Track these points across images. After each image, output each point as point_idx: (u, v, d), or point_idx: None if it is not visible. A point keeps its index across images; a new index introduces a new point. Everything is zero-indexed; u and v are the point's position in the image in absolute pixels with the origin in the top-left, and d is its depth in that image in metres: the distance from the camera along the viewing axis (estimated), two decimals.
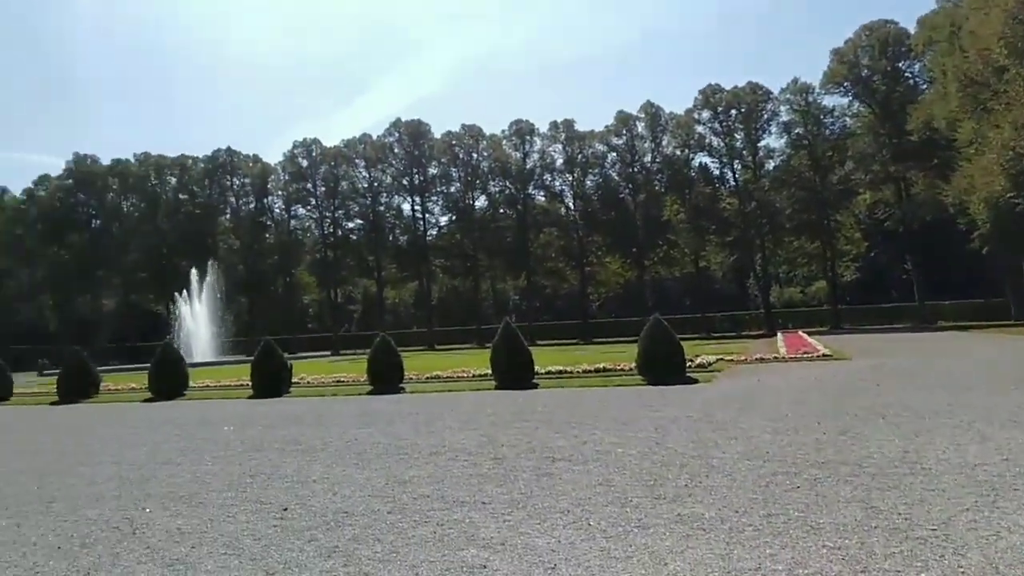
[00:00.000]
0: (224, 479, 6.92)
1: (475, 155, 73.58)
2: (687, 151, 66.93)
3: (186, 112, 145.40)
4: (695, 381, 14.96)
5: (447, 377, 19.29)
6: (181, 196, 79.84)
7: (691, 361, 17.54)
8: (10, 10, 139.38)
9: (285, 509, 5.50)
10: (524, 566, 3.93)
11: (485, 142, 73.12)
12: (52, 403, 19.26)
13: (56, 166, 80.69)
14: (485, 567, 3.95)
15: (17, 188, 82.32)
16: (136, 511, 5.74)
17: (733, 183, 65.82)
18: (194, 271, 51.39)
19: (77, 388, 19.71)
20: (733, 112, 63.85)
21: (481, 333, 65.11)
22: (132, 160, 79.75)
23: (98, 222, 79.64)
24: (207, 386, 20.66)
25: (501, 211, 73.95)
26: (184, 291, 49.14)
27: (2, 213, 79.38)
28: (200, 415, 13.93)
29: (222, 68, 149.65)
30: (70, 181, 78.53)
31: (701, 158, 67.45)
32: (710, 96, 64.49)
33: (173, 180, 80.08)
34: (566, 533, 4.49)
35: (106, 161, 79.65)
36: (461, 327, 72.27)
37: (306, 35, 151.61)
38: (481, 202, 74.61)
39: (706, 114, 65.15)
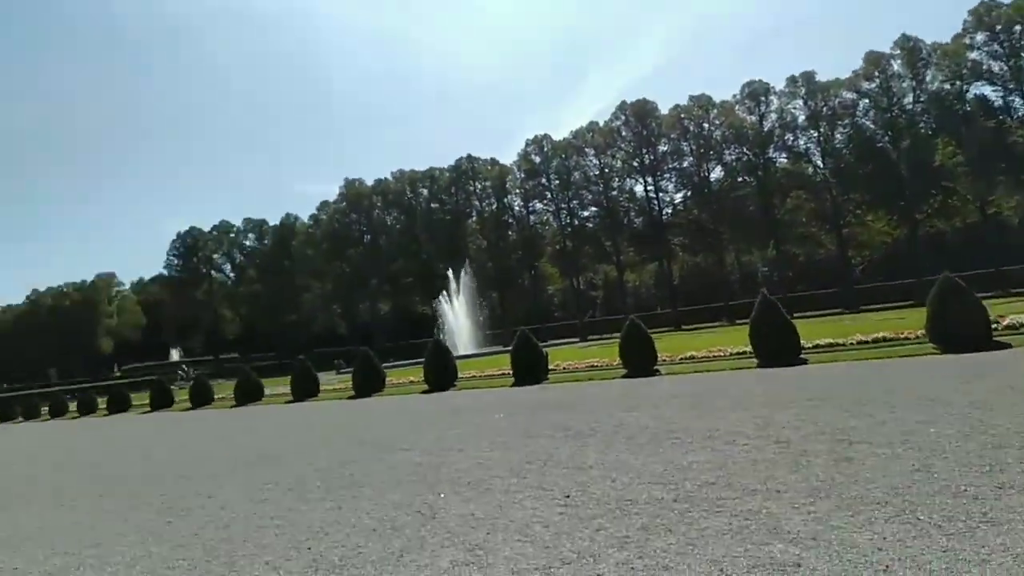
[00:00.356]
0: (505, 465, 7.18)
1: (706, 125, 70.46)
2: (959, 83, 57.60)
3: (431, 127, 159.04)
4: (1007, 346, 12.64)
5: (702, 357, 18.52)
6: (433, 205, 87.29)
7: (996, 323, 14.90)
8: (284, 66, 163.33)
9: (567, 496, 5.51)
10: (846, 566, 3.44)
11: (716, 110, 69.67)
12: (349, 397, 21.96)
13: (332, 192, 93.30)
14: (799, 565, 3.52)
15: (305, 215, 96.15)
16: (432, 496, 6.15)
17: None
18: (450, 272, 55.66)
19: (368, 384, 22.26)
20: (1017, 28, 53.53)
21: (730, 310, 62.34)
22: (390, 178, 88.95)
23: (368, 237, 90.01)
24: (473, 376, 22.05)
25: (740, 180, 69.95)
26: (444, 291, 53.45)
27: (297, 237, 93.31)
28: (472, 403, 14.86)
29: (456, 81, 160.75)
30: (344, 204, 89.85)
31: (978, 89, 57.54)
32: (984, 15, 54.78)
33: (425, 191, 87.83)
34: (891, 528, 3.87)
35: (370, 182, 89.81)
36: (707, 305, 69.74)
37: (525, 36, 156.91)
38: (717, 173, 71.32)
39: (980, 36, 55.51)
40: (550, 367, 19.89)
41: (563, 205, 78.90)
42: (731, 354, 17.96)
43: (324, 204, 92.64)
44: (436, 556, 4.39)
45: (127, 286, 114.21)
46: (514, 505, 5.44)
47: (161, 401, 29.65)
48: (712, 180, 70.86)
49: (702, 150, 70.02)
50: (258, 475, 8.69)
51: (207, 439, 15.02)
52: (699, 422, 8.37)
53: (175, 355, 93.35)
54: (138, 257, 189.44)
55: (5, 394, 56.96)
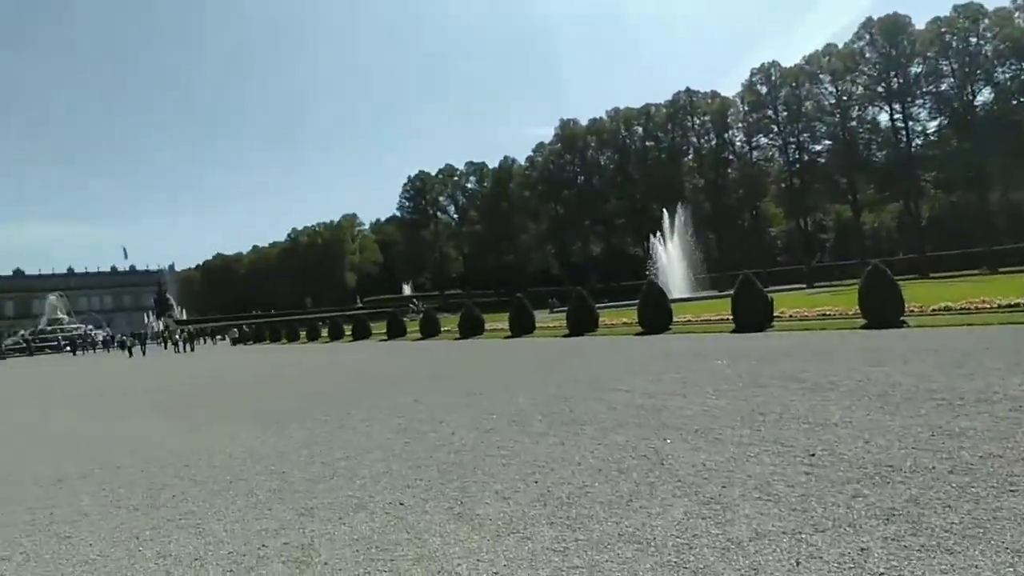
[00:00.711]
0: (733, 414, 6.73)
1: (974, 39, 60.28)
2: None
3: (647, 62, 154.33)
4: None
5: (961, 308, 16.14)
6: (647, 144, 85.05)
7: None
8: (503, 11, 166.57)
9: (812, 454, 4.97)
10: None
11: (987, 20, 59.21)
12: (564, 335, 22.36)
13: (549, 134, 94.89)
14: None
15: (522, 158, 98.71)
16: (657, 441, 5.91)
17: None
18: (665, 213, 54.06)
19: (582, 323, 22.48)
20: None
21: (992, 256, 53.99)
22: (605, 117, 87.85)
23: (582, 178, 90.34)
24: (688, 321, 21.30)
25: (1015, 102, 59.21)
26: (657, 232, 52.11)
27: (514, 179, 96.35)
28: (689, 348, 14.33)
29: (674, 15, 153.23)
30: (558, 145, 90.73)
31: None
32: None
33: (640, 129, 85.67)
34: None
35: (584, 122, 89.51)
36: (963, 251, 60.92)
37: None
38: (985, 96, 61.13)
39: None
40: (775, 314, 18.56)
41: (791, 139, 72.73)
42: (1000, 306, 15.45)
43: (540, 146, 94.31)
44: (668, 505, 4.16)
45: (367, 226, 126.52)
46: (750, 459, 5.03)
47: (396, 331, 32.59)
48: (978, 104, 60.83)
49: (967, 69, 60.15)
50: (483, 405, 9.07)
51: (437, 367, 16.14)
52: (968, 383, 7.20)
53: (407, 290, 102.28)
54: (376, 199, 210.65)
55: (273, 319, 66.37)
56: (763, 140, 76.97)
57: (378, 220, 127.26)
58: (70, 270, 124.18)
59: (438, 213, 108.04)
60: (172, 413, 11.99)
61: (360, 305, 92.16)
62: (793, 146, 72.87)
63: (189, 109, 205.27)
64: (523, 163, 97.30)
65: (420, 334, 30.35)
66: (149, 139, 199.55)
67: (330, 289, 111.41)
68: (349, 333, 37.14)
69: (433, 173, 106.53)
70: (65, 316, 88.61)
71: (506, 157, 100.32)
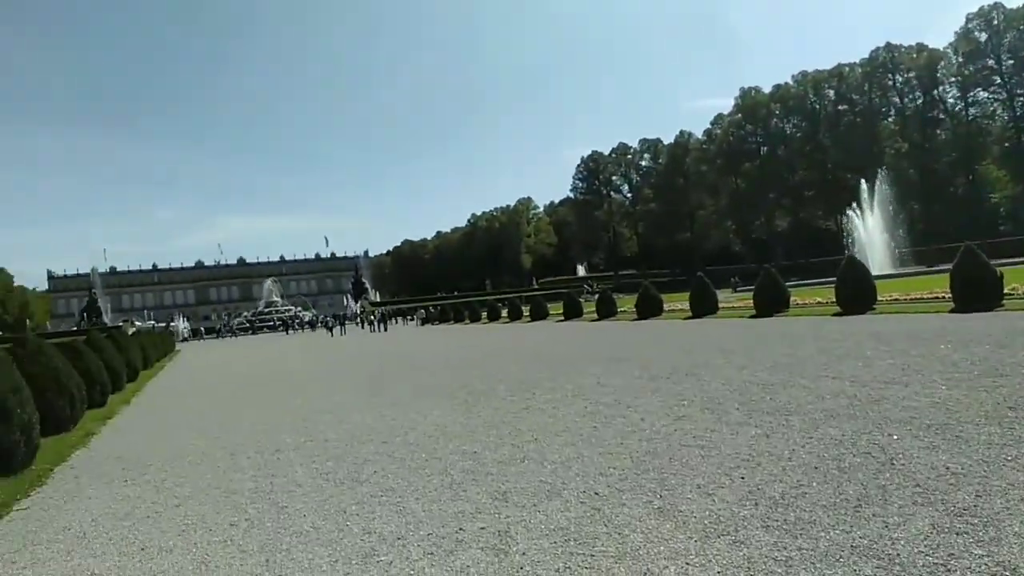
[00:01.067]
0: (973, 408, 5.78)
1: None
2: None
3: (836, 18, 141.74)
4: None
5: None
6: (840, 108, 78.11)
7: None
8: None
9: None
10: None
11: None
12: (750, 316, 21.07)
13: (727, 105, 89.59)
14: None
15: (699, 132, 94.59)
16: (881, 436, 5.20)
17: None
18: (862, 182, 49.31)
19: (771, 302, 21.05)
20: None
21: None
22: (790, 82, 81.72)
23: (765, 149, 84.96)
24: (895, 299, 19.24)
25: None
26: (853, 204, 47.71)
27: (690, 154, 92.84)
28: (901, 329, 12.81)
29: None
30: (739, 115, 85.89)
31: None
32: None
33: (831, 93, 78.85)
34: None
35: (767, 89, 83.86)
36: None
37: None
38: None
39: None
40: (1006, 291, 16.14)
41: (1019, 91, 63.18)
42: None
43: (719, 117, 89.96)
44: (909, 515, 3.57)
45: (540, 209, 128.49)
46: (1007, 463, 4.23)
47: (572, 311, 32.69)
48: None
49: None
50: (670, 389, 8.66)
51: (616, 348, 15.83)
52: None
53: (581, 270, 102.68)
54: (550, 182, 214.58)
55: (456, 300, 69.47)
56: (982, 95, 67.55)
57: (552, 203, 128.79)
58: (282, 258, 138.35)
59: (612, 193, 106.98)
60: (371, 389, 12.78)
61: (536, 286, 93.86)
62: (1021, 99, 63.25)
63: (381, 107, 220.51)
64: (700, 137, 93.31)
65: (596, 315, 30.15)
66: (343, 139, 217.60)
67: (507, 271, 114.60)
68: (527, 314, 37.85)
69: (606, 153, 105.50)
70: (279, 299, 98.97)
71: (682, 132, 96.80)
